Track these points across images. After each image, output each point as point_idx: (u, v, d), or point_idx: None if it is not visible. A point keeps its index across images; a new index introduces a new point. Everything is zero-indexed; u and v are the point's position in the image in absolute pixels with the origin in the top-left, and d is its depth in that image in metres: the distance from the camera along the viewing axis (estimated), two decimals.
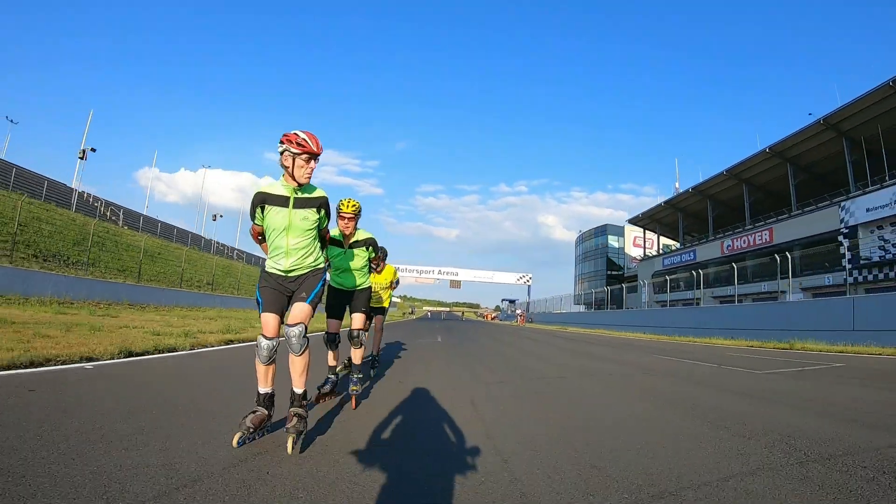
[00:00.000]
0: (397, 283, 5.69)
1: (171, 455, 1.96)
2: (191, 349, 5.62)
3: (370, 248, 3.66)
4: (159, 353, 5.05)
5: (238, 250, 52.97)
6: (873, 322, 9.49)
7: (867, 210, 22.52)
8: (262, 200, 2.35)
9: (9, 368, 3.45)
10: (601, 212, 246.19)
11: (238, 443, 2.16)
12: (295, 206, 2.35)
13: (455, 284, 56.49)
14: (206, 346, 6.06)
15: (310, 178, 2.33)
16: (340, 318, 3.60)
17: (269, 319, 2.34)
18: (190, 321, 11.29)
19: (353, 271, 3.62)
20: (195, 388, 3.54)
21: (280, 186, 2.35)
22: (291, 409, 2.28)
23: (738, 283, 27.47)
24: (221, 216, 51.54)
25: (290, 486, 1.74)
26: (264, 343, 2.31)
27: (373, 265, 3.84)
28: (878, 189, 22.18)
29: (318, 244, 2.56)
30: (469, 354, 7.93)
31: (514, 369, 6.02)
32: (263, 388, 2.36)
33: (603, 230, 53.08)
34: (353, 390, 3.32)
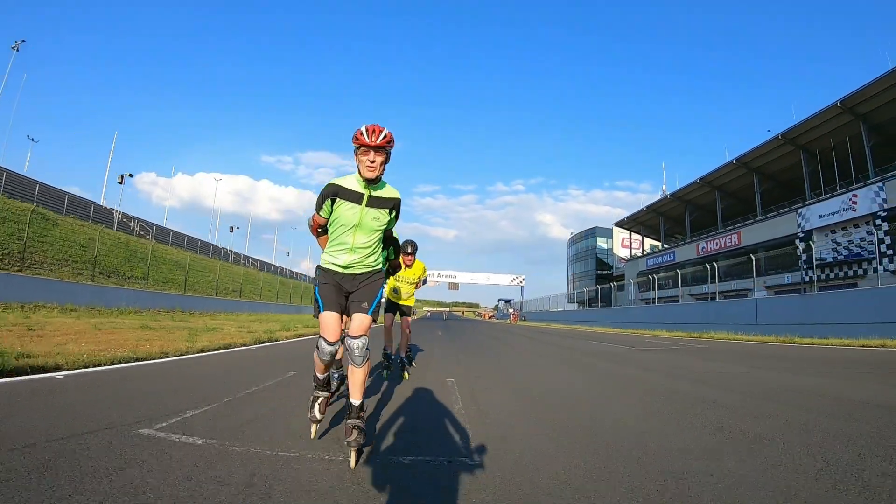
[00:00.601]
0: (424, 281, 5.43)
1: None
2: (285, 339, 8.70)
3: (391, 249, 3.55)
4: (271, 342, 8.11)
5: (252, 258, 56.29)
6: (771, 317, 12.56)
7: (820, 216, 25.51)
8: (334, 193, 2.32)
9: (219, 349, 6.49)
10: (598, 209, 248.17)
11: (318, 436, 2.39)
12: (368, 205, 2.32)
13: (453, 287, 61.22)
14: (289, 339, 9.09)
15: (375, 172, 2.24)
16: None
17: (331, 320, 2.34)
18: (249, 323, 14.36)
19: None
20: None
21: (354, 181, 2.33)
22: (350, 422, 2.22)
23: (708, 283, 30.41)
24: (238, 228, 54.90)
25: (306, 481, 1.79)
26: (327, 349, 2.34)
27: (391, 270, 3.66)
28: (830, 198, 25.18)
29: (381, 245, 2.51)
30: (465, 349, 10.96)
31: (495, 357, 9.08)
32: (322, 374, 2.53)
33: (592, 232, 56.64)
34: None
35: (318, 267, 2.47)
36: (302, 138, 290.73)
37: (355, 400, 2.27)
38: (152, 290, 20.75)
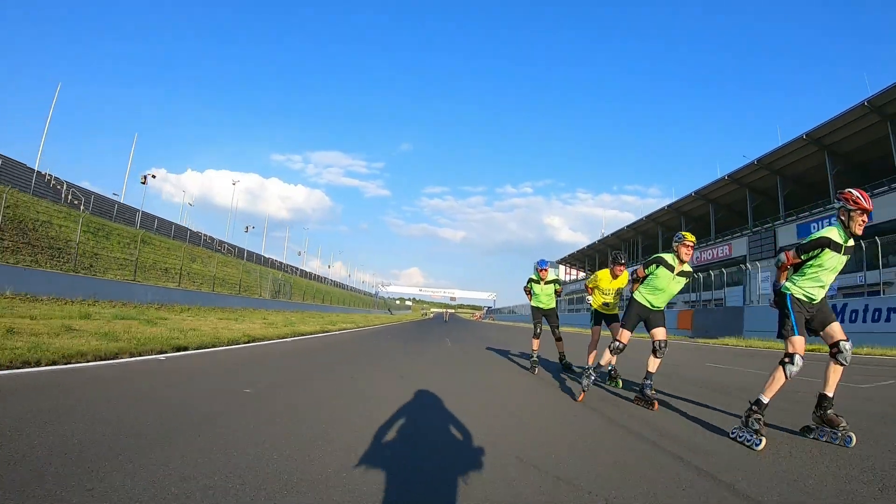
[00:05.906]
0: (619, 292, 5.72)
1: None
2: (352, 329, 17.84)
3: (691, 277, 4.30)
4: (335, 332, 17.23)
5: (277, 261, 65.58)
6: (757, 325, 15.22)
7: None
8: (826, 244, 2.99)
9: (320, 333, 15.74)
10: (605, 213, 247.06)
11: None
12: (844, 253, 3.01)
13: (452, 298, 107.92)
14: (349, 328, 18.13)
15: (861, 230, 2.92)
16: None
17: (804, 342, 3.03)
18: (302, 320, 23.34)
19: (668, 294, 4.32)
20: (386, 336, 15.86)
21: (837, 234, 3.00)
22: (831, 412, 2.95)
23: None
24: (251, 228, 64.60)
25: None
26: (801, 362, 2.98)
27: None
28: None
29: None
30: (452, 329, 21.29)
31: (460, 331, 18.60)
32: (771, 397, 3.03)
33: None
34: (653, 393, 4.16)
35: (791, 297, 3.15)
36: (311, 137, 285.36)
37: (832, 392, 2.98)
38: (209, 292, 28.86)
